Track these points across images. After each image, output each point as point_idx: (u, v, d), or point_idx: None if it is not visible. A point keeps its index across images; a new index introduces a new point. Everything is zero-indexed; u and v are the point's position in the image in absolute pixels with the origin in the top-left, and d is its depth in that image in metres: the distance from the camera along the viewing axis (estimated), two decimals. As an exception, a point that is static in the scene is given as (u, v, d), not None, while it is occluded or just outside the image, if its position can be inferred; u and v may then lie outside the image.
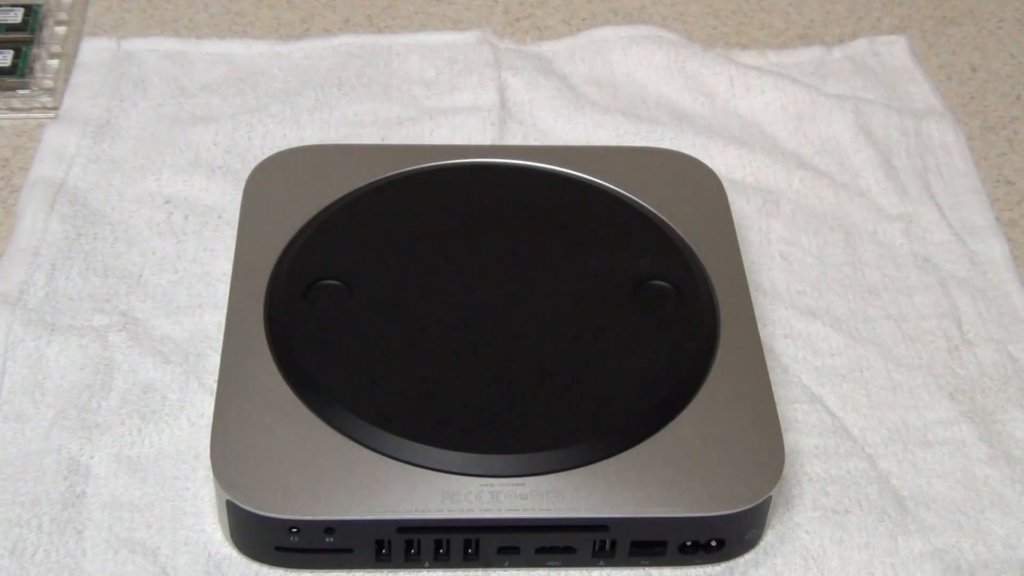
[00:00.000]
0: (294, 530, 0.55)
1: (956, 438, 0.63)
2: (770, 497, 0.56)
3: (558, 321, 0.62)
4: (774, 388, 0.60)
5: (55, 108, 0.78)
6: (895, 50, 0.85)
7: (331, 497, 0.54)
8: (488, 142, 0.76)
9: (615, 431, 0.57)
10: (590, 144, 0.77)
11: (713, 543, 0.57)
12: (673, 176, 0.70)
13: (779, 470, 0.56)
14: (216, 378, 0.60)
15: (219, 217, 0.71)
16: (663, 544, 0.56)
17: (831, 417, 0.63)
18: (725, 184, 0.70)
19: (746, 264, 0.66)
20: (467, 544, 0.56)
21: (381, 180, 0.68)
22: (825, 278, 0.70)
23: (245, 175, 0.69)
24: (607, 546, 0.56)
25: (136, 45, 0.82)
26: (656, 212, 0.67)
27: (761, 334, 0.62)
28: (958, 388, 0.65)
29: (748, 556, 0.58)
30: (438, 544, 0.56)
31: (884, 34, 0.87)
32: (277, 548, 0.56)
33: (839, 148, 0.78)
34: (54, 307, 0.66)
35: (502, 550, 0.56)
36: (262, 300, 0.62)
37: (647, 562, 0.57)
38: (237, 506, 0.55)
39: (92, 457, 0.60)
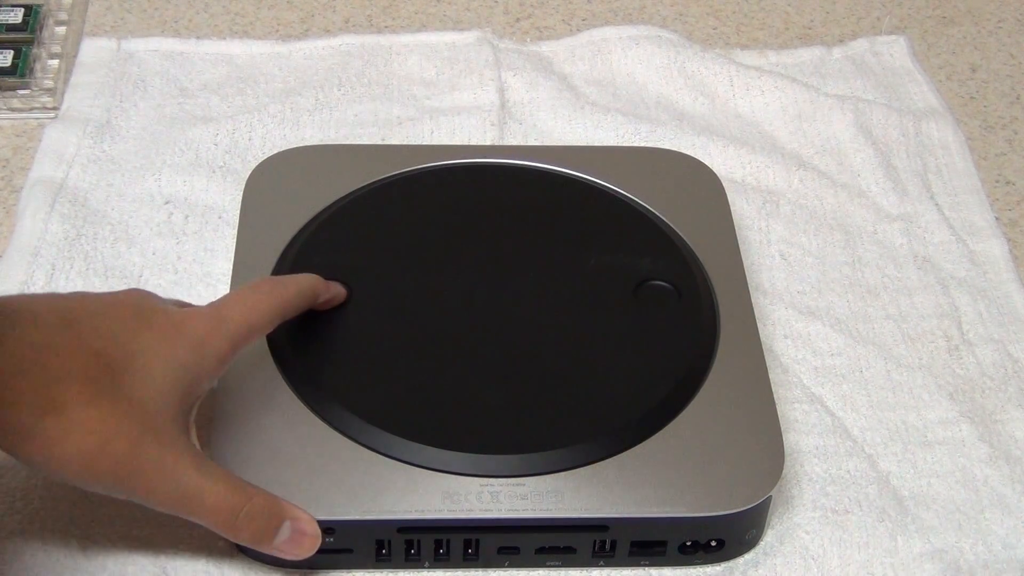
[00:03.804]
0: (294, 530, 0.55)
1: (956, 438, 0.63)
2: (770, 497, 0.56)
3: (558, 321, 0.62)
4: (774, 388, 0.60)
5: (55, 108, 0.78)
6: (895, 50, 0.85)
7: (331, 497, 0.54)
8: (488, 142, 0.76)
9: (615, 431, 0.57)
10: (590, 144, 0.77)
11: (713, 543, 0.57)
12: (673, 176, 0.70)
13: (779, 470, 0.56)
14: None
15: (219, 217, 0.71)
16: (663, 544, 0.56)
17: (831, 417, 0.63)
18: (725, 184, 0.70)
19: (746, 264, 0.66)
20: (467, 544, 0.56)
21: (381, 180, 0.68)
22: (825, 278, 0.70)
23: (245, 175, 0.69)
24: (607, 546, 0.56)
25: (136, 45, 0.82)
26: (656, 212, 0.67)
27: (761, 334, 0.62)
28: (958, 388, 0.65)
29: (748, 556, 0.58)
30: (438, 544, 0.56)
31: (884, 34, 0.87)
32: (277, 548, 0.56)
33: (839, 148, 0.78)
34: (54, 307, 0.66)
35: (502, 550, 0.56)
36: (262, 300, 0.62)
37: (647, 562, 0.57)
38: (237, 506, 0.55)
39: (92, 457, 0.60)
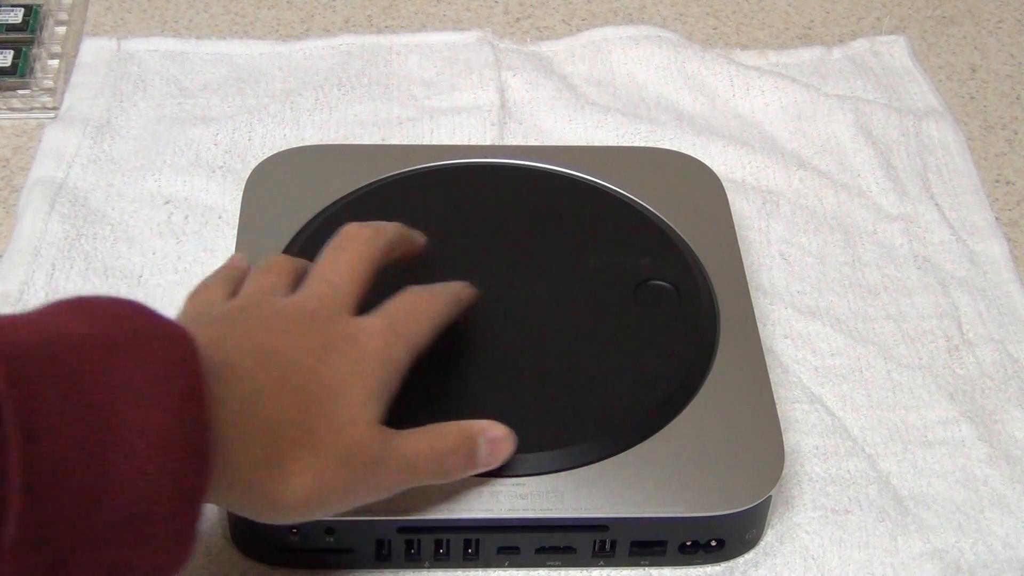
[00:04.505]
0: (294, 530, 0.55)
1: (956, 438, 0.63)
2: (770, 497, 0.56)
3: (558, 321, 0.62)
4: (774, 388, 0.60)
5: (55, 108, 0.78)
6: (895, 50, 0.85)
7: (331, 497, 0.54)
8: (488, 142, 0.76)
9: (615, 431, 0.57)
10: (590, 144, 0.77)
11: (713, 543, 0.57)
12: (673, 176, 0.70)
13: (779, 470, 0.56)
14: (216, 378, 0.60)
15: (219, 217, 0.71)
16: (663, 544, 0.56)
17: (831, 417, 0.63)
18: (725, 184, 0.70)
19: (746, 264, 0.66)
20: (467, 544, 0.56)
21: (381, 180, 0.68)
22: (825, 278, 0.70)
23: (245, 175, 0.69)
24: (607, 546, 0.56)
25: (136, 45, 0.82)
26: (656, 212, 0.67)
27: (761, 334, 0.62)
28: (958, 388, 0.65)
29: (748, 556, 0.58)
30: (438, 544, 0.56)
31: (884, 34, 0.87)
32: (277, 548, 0.56)
33: (839, 148, 0.78)
34: (54, 307, 0.66)
35: (502, 550, 0.56)
36: (262, 300, 0.62)
37: (647, 562, 0.57)
38: (237, 506, 0.55)
39: (92, 457, 0.60)
